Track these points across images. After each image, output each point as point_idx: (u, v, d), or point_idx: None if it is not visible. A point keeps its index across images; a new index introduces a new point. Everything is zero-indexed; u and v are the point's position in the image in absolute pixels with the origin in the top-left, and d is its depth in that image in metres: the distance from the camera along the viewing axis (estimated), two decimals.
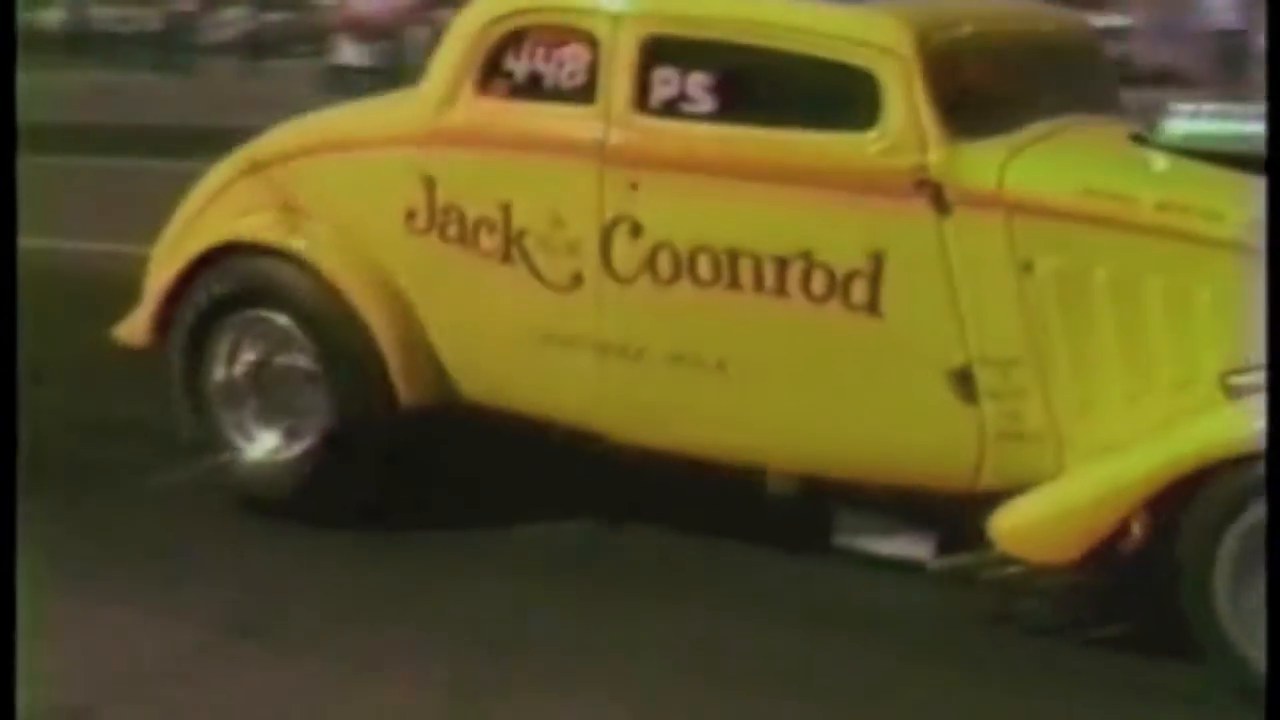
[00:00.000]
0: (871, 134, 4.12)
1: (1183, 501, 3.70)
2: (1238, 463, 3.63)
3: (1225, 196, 4.03)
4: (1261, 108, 4.26)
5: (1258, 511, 3.59)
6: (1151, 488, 3.71)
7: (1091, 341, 4.03)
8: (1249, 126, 4.19)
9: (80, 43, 35.58)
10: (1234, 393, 3.84)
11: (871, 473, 4.26)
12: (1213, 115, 4.29)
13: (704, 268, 4.31)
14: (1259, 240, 3.87)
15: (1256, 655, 3.61)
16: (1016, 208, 4.04)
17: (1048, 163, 4.11)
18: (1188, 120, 4.27)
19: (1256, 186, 3.99)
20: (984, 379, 4.09)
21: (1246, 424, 3.69)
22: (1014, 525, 3.90)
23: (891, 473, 4.22)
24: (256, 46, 34.21)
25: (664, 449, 4.52)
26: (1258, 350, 3.79)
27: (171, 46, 34.26)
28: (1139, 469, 3.77)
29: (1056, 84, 4.58)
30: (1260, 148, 4.07)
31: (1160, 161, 4.22)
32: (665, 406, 4.47)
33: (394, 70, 9.98)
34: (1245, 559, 3.63)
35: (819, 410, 4.28)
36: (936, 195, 4.07)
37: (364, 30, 9.78)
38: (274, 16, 36.85)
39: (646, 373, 4.43)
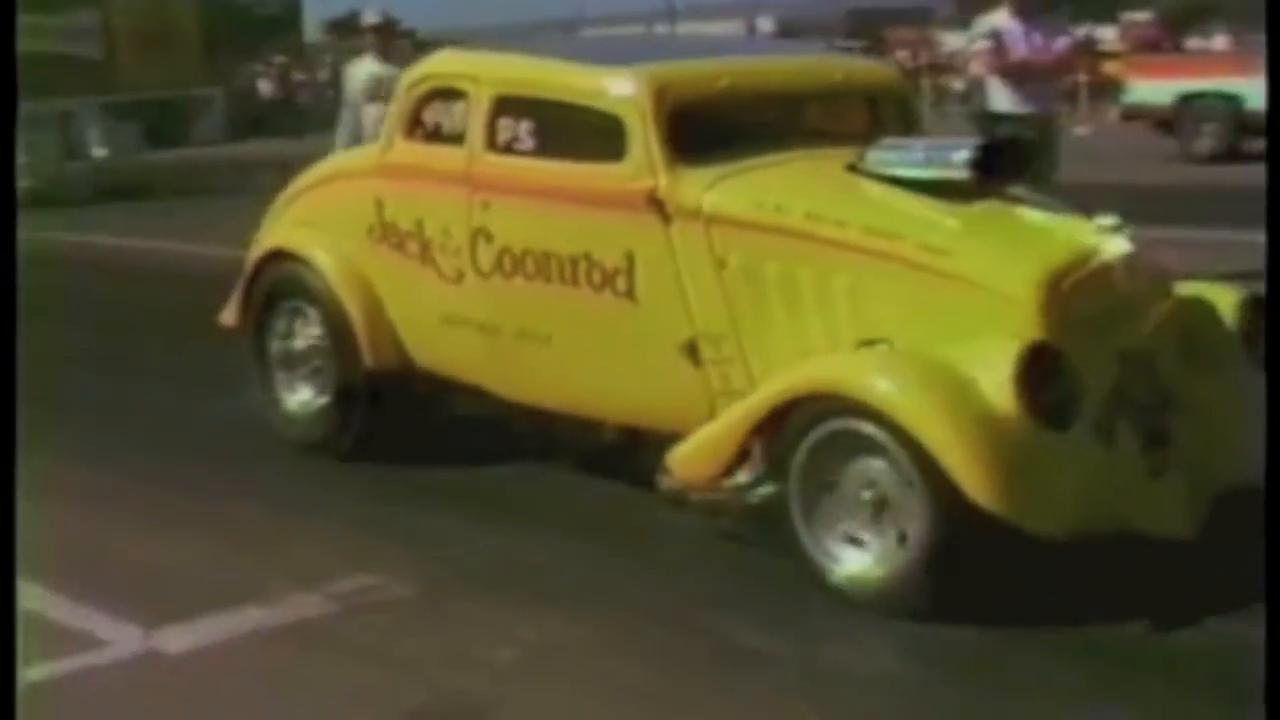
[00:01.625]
0: (621, 165, 5.52)
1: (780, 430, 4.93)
2: (815, 397, 4.84)
3: (864, 209, 5.22)
4: (955, 141, 5.39)
5: (822, 430, 4.77)
6: (756, 418, 4.96)
7: (769, 319, 5.28)
8: (927, 156, 5.34)
9: None
10: None
11: (644, 421, 5.64)
12: (899, 147, 5.44)
13: (529, 265, 5.81)
14: (874, 242, 5.06)
15: (823, 562, 4.82)
16: (712, 219, 5.35)
17: (738, 186, 5.39)
18: (883, 151, 5.44)
19: (909, 201, 5.18)
20: (705, 349, 5.41)
21: (823, 370, 4.90)
22: (676, 453, 5.22)
23: (656, 420, 5.57)
24: None
25: (525, 404, 6.05)
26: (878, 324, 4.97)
27: None
28: (751, 403, 5.03)
29: (795, 125, 5.79)
30: (938, 175, 5.22)
31: (847, 184, 5.41)
32: (518, 369, 6.00)
33: (1045, 117, 9.33)
34: (811, 473, 4.82)
35: (605, 372, 5.71)
36: (662, 210, 5.43)
37: (1021, 76, 9.05)
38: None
39: (504, 344, 5.98)
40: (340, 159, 7.01)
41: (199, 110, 33.90)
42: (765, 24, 53.20)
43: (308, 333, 6.73)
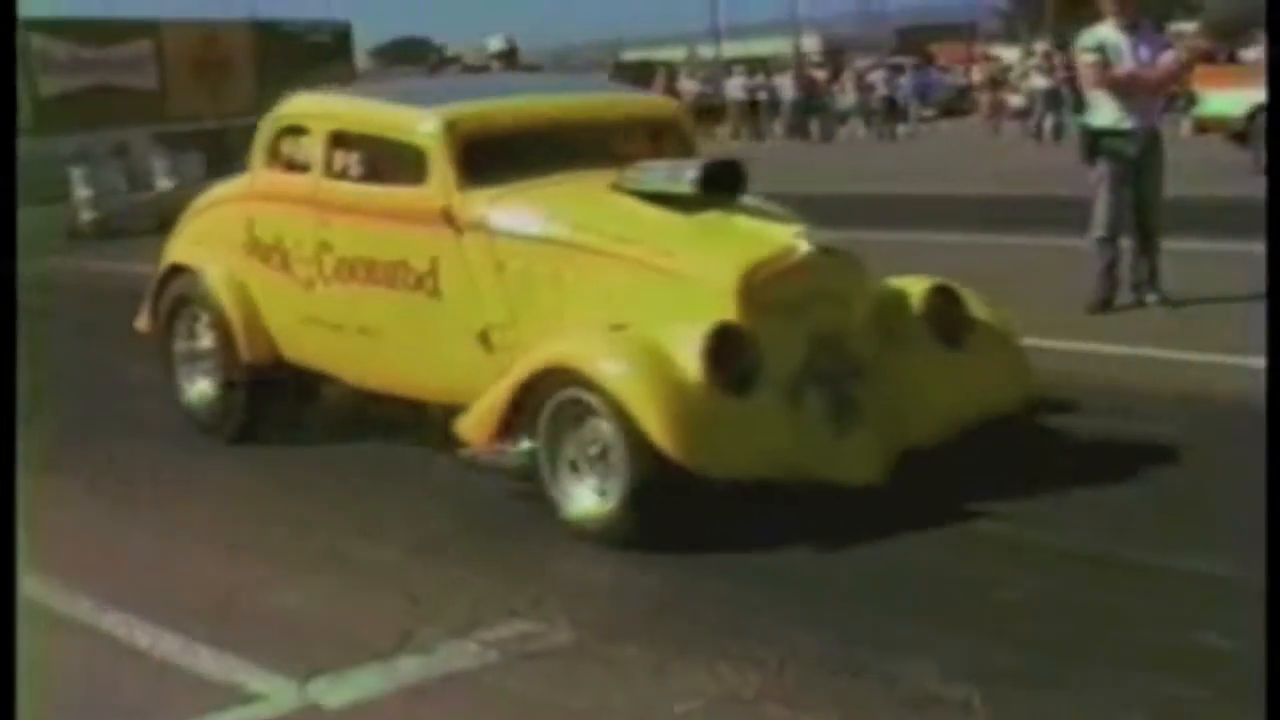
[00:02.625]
0: (424, 187, 6.66)
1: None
2: (552, 371, 5.95)
3: (613, 220, 6.34)
4: (688, 163, 6.50)
5: (558, 398, 5.89)
6: (513, 389, 6.05)
7: (542, 311, 6.39)
8: (667, 175, 6.45)
9: (711, 113, 36.72)
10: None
11: (456, 398, 6.74)
12: (648, 169, 6.55)
13: (361, 271, 6.96)
14: (620, 246, 6.18)
15: (561, 502, 5.92)
16: (492, 231, 6.49)
17: (514, 202, 6.52)
18: (637, 172, 6.56)
19: (651, 212, 6.29)
20: (494, 337, 6.54)
21: (558, 350, 6.02)
22: (460, 423, 6.33)
23: (464, 397, 6.67)
24: (889, 111, 35.40)
25: (369, 389, 7.21)
26: (623, 314, 6.08)
27: (806, 112, 35.49)
28: (509, 378, 6.13)
29: (576, 151, 6.88)
30: (674, 189, 6.32)
31: (605, 200, 6.52)
32: (359, 359, 7.14)
33: (1151, 134, 9.55)
34: (553, 432, 5.93)
35: (421, 358, 6.84)
36: (455, 223, 6.56)
37: (1128, 90, 9.09)
38: (904, 80, 37.84)
39: (348, 339, 7.12)
40: (222, 186, 8.16)
41: (251, 140, 34.22)
42: (811, 42, 52.88)
43: (202, 334, 7.89)
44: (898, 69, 39.34)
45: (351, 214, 7.00)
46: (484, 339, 6.54)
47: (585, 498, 5.90)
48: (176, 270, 7.99)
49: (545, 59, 44.78)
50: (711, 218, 6.29)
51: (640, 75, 37.66)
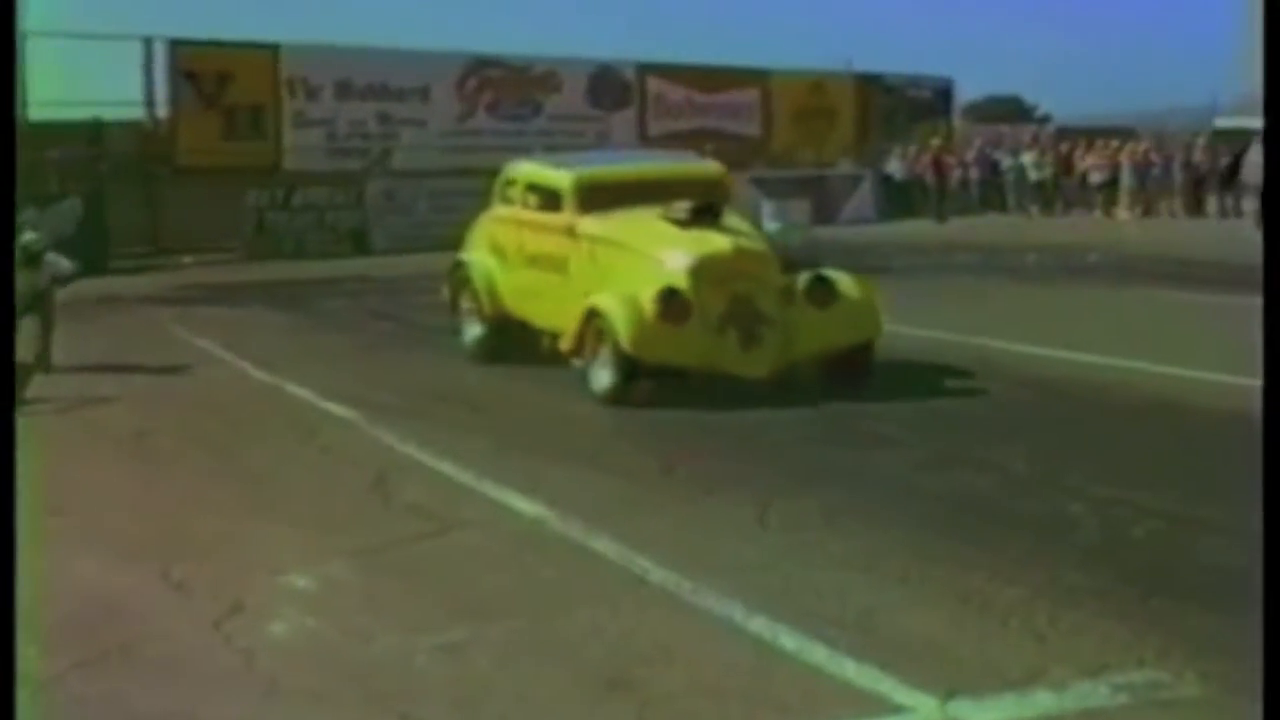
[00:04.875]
0: (561, 214, 12.19)
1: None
2: (591, 310, 11.29)
3: (640, 233, 11.67)
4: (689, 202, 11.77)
5: (592, 323, 11.28)
6: (579, 317, 11.43)
7: (608, 282, 11.70)
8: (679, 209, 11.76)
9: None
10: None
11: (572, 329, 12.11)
12: (672, 207, 11.80)
13: (535, 261, 12.55)
14: (638, 246, 11.56)
15: (591, 379, 11.26)
16: (592, 239, 11.92)
17: (601, 224, 11.90)
18: (670, 209, 11.82)
19: (666, 228, 11.64)
20: (593, 297, 11.92)
21: (593, 301, 11.34)
22: (561, 341, 11.76)
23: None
24: None
25: (542, 327, 12.73)
26: (633, 282, 11.44)
27: None
28: (577, 311, 11.52)
29: (648, 195, 12.13)
30: (679, 217, 11.67)
31: (650, 223, 11.81)
32: (537, 311, 12.64)
33: None
34: (588, 342, 11.30)
35: (562, 309, 12.25)
36: (575, 235, 12.04)
37: None
38: None
39: (531, 299, 12.67)
40: (483, 216, 13.83)
41: (848, 189, 33.58)
42: None
43: (470, 299, 13.58)
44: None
45: (531, 230, 12.56)
46: (586, 297, 11.93)
47: (603, 377, 11.16)
48: (460, 263, 13.72)
49: (1135, 121, 41.43)
50: (695, 232, 11.45)
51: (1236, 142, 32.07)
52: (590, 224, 11.95)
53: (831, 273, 11.49)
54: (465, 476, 8.54)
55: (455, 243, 14.15)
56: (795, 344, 11.08)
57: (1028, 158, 34.25)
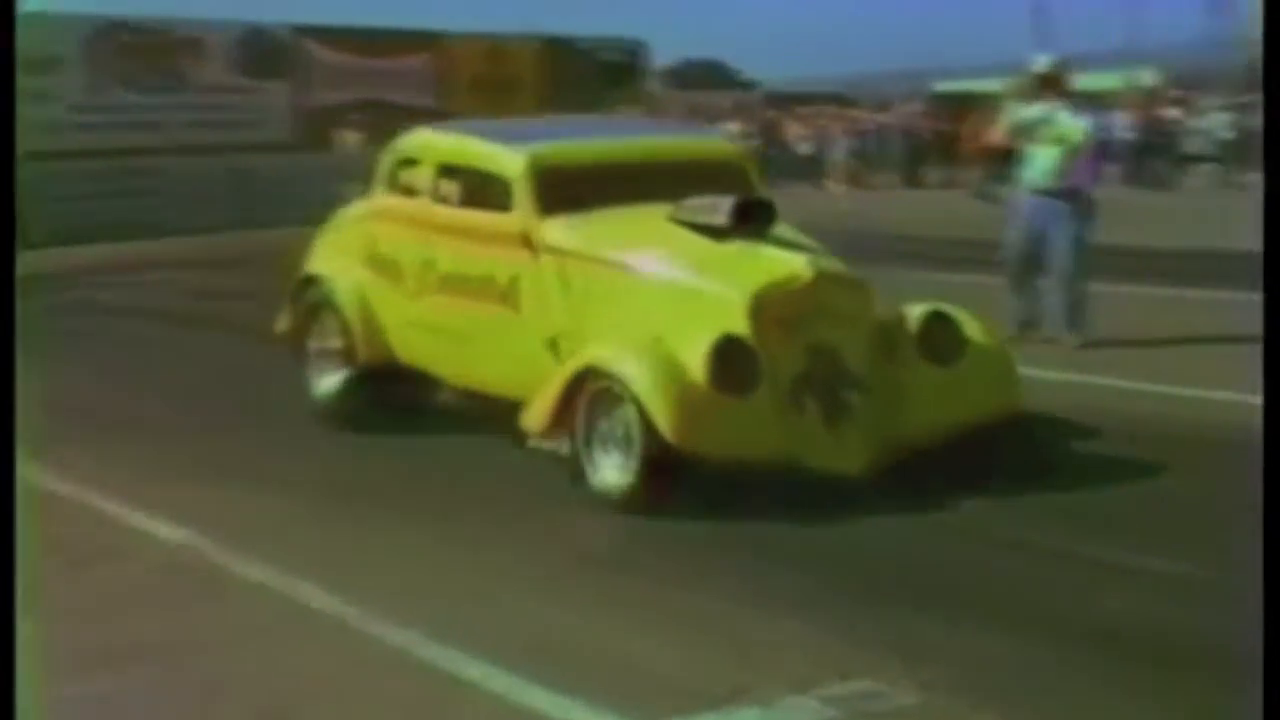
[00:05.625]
0: (507, 214, 7.93)
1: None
2: (589, 370, 7.13)
3: (661, 245, 7.52)
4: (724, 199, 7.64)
5: (592, 387, 7.08)
6: (561, 385, 7.24)
7: (600, 321, 7.58)
8: (709, 209, 7.61)
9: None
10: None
11: (521, 393, 7.93)
12: (699, 205, 7.69)
13: (455, 285, 8.25)
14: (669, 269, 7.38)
15: (589, 473, 7.08)
16: (563, 253, 7.71)
17: (578, 230, 7.74)
18: (689, 206, 7.71)
19: (690, 239, 7.48)
20: (562, 345, 7.74)
21: (594, 353, 7.20)
22: (523, 415, 7.54)
23: (529, 393, 7.87)
24: (1240, 157, 29.06)
25: (461, 386, 8.46)
26: (659, 323, 7.25)
27: (1148, 157, 30.17)
28: (558, 375, 7.32)
29: (637, 186, 8.05)
30: (711, 221, 7.51)
31: (658, 228, 7.68)
32: (454, 361, 8.40)
33: None
34: (590, 415, 7.12)
35: (501, 361, 8.08)
36: (533, 246, 7.80)
37: None
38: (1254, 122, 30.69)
39: (445, 343, 8.41)
40: (351, 207, 9.49)
41: None
42: (1148, 76, 44.18)
43: (331, 335, 9.23)
44: (1251, 109, 31.89)
45: (450, 235, 8.29)
46: (553, 346, 7.74)
47: (610, 470, 7.04)
48: (312, 281, 9.34)
49: (846, 88, 41.36)
50: (739, 246, 7.42)
51: (957, 108, 34.20)
52: (560, 231, 7.81)
53: (950, 309, 7.58)
54: None
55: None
56: (903, 420, 7.18)
57: (732, 127, 31.39)
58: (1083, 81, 42.89)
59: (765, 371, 6.91)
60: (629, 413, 6.92)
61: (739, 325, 6.96)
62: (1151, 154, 30.38)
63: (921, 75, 53.89)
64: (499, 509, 7.21)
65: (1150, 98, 35.28)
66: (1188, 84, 40.82)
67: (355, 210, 9.40)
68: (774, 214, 7.65)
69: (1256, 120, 30.68)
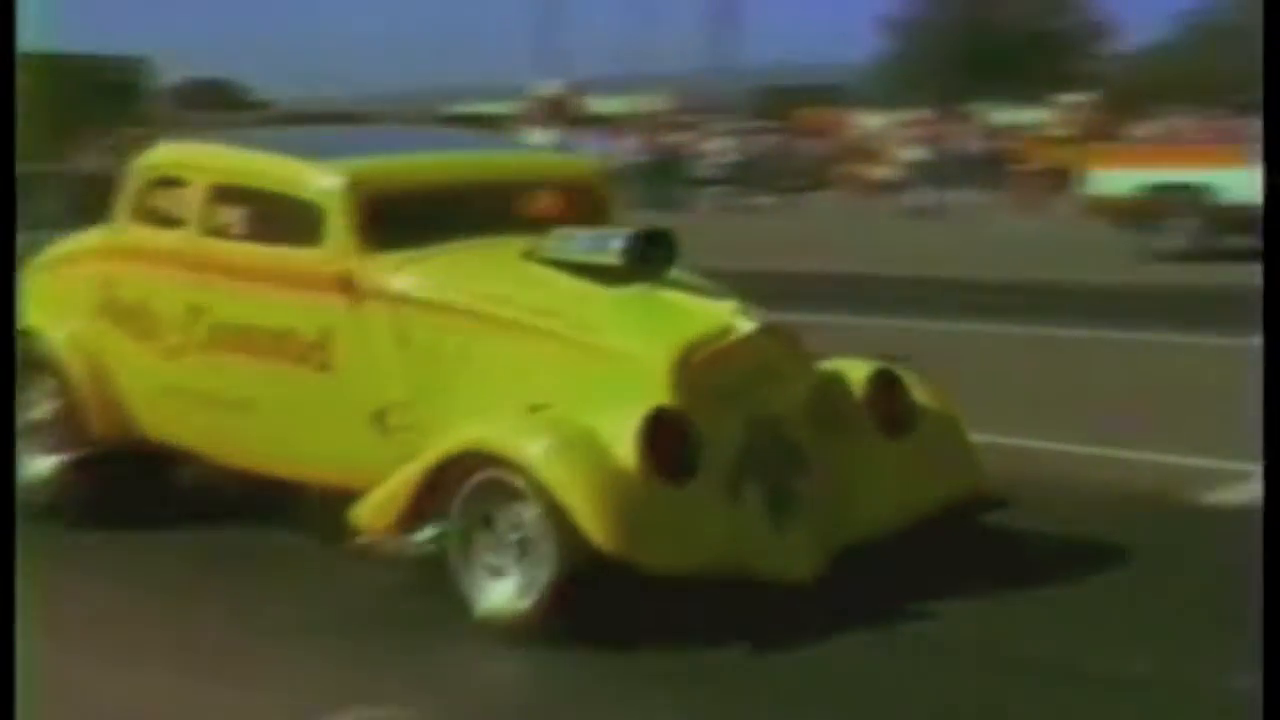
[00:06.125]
0: (319, 249, 6.07)
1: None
2: (472, 454, 5.38)
3: (530, 290, 5.81)
4: (614, 231, 6.00)
5: (477, 480, 5.32)
6: (424, 473, 5.47)
7: (449, 389, 5.83)
8: (591, 244, 5.96)
9: None
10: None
11: (341, 482, 6.11)
12: (567, 237, 6.05)
13: (236, 339, 6.32)
14: (537, 319, 5.65)
15: (474, 595, 5.32)
16: (398, 299, 5.91)
17: (422, 271, 5.96)
18: (554, 240, 6.06)
19: (571, 283, 5.78)
20: (392, 417, 5.94)
21: (479, 431, 5.46)
22: (359, 509, 5.71)
23: (351, 482, 6.04)
24: (747, 180, 31.44)
25: (240, 468, 6.51)
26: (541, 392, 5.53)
27: (660, 180, 30.62)
28: (420, 461, 5.54)
29: (486, 213, 6.37)
30: (598, 260, 5.81)
31: (519, 269, 6.00)
32: (232, 436, 6.47)
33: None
34: (468, 519, 5.37)
35: (303, 437, 6.21)
36: (353, 290, 5.97)
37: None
38: (759, 147, 34.08)
39: (219, 413, 6.47)
40: (70, 242, 7.37)
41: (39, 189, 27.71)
42: (661, 101, 45.70)
43: (40, 403, 7.10)
44: (757, 133, 36.09)
45: (231, 276, 6.37)
46: (379, 418, 5.96)
47: (502, 590, 5.31)
48: (26, 338, 7.19)
49: (366, 110, 41.66)
50: (639, 292, 5.81)
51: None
52: (394, 271, 6.02)
53: (893, 367, 6.14)
54: None
55: None
56: (856, 507, 5.70)
57: None
58: (592, 106, 43.21)
59: (705, 452, 5.31)
60: (531, 512, 5.21)
61: (661, 394, 5.35)
62: (661, 177, 30.62)
63: (432, 97, 54.04)
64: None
65: (659, 122, 36.07)
66: (696, 109, 42.07)
67: (79, 245, 7.31)
68: (676, 250, 6.07)
69: (763, 144, 33.78)
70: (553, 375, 5.60)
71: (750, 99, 51.65)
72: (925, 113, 33.21)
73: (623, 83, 52.85)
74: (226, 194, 6.48)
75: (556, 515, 5.10)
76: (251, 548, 6.51)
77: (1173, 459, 6.72)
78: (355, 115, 34.04)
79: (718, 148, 33.43)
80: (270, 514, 6.73)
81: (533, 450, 5.22)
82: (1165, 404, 6.03)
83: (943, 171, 28.55)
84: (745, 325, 5.57)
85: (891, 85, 56.56)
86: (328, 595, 5.89)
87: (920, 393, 6.06)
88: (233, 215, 6.48)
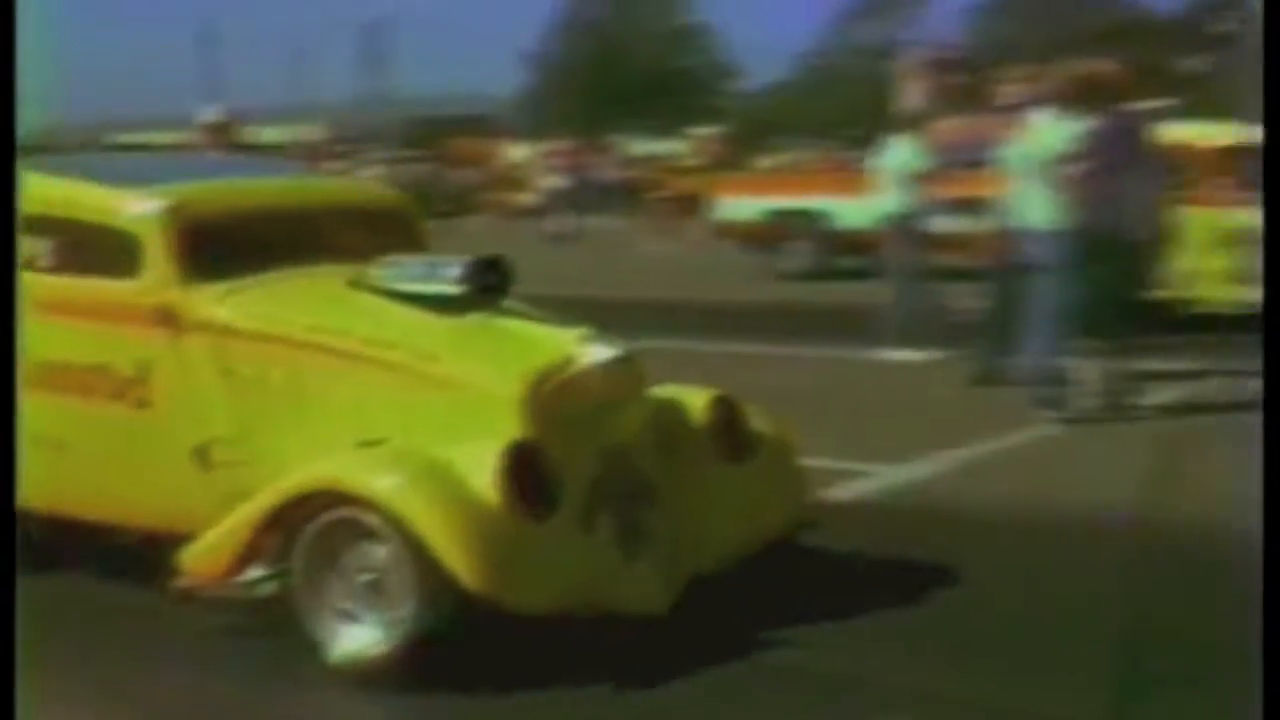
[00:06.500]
0: (137, 280, 5.76)
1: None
2: (317, 492, 5.14)
3: (363, 320, 5.62)
4: (448, 259, 5.82)
5: (324, 519, 5.09)
6: (263, 514, 5.22)
7: (278, 424, 5.58)
8: (424, 272, 5.78)
9: None
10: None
11: (161, 525, 5.80)
12: (397, 264, 5.86)
13: (44, 377, 5.95)
14: (373, 350, 5.44)
15: (325, 641, 5.10)
16: (222, 331, 5.65)
17: (247, 301, 5.71)
18: (383, 269, 5.86)
19: (405, 312, 5.59)
20: (216, 454, 5.66)
21: (325, 467, 5.23)
22: (188, 553, 5.41)
23: (172, 524, 5.73)
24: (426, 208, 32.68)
25: (51, 513, 6.12)
26: (379, 426, 5.31)
27: None
28: (258, 501, 5.28)
29: (305, 242, 6.14)
30: (432, 289, 5.63)
31: (348, 298, 5.80)
32: (40, 479, 6.03)
33: None
34: (315, 561, 5.14)
35: (120, 478, 5.89)
36: (174, 323, 5.68)
37: None
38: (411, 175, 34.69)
39: (25, 454, 6.03)
40: None
41: None
42: (317, 131, 48.55)
43: None
44: (409, 162, 38.07)
45: (42, 311, 6.00)
46: (201, 455, 5.70)
47: (356, 634, 5.10)
48: None
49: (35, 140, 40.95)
50: (478, 320, 5.67)
51: None
52: (218, 302, 5.75)
53: (731, 394, 6.10)
54: None
55: None
56: (705, 536, 5.63)
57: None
58: (251, 134, 44.28)
59: (564, 485, 5.19)
60: (388, 553, 5.02)
61: (513, 425, 5.21)
62: None
63: (97, 127, 53.91)
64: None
65: (316, 150, 37.57)
66: (351, 138, 44.65)
67: None
68: (510, 278, 5.93)
69: (415, 172, 35.05)
70: (392, 408, 5.41)
71: (403, 129, 54.12)
72: (567, 143, 34.59)
73: (282, 112, 53.71)
74: (34, 225, 6.10)
75: (415, 554, 4.91)
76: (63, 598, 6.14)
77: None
78: (26, 148, 33.67)
79: (371, 176, 34.19)
80: (85, 561, 6.36)
81: (388, 486, 5.02)
82: (795, 412, 6.29)
83: (582, 198, 30.46)
84: (591, 353, 5.47)
85: (536, 118, 59.94)
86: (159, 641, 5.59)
87: (757, 419, 6.03)
88: (42, 247, 6.10)
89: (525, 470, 5.05)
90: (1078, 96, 9.49)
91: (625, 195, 32.90)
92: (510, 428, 5.17)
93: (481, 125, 54.62)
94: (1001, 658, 5.30)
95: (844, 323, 12.97)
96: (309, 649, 5.15)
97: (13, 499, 4.52)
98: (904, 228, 12.43)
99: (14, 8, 5.39)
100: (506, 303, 5.88)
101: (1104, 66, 9.90)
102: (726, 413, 5.92)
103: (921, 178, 12.42)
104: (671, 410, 5.86)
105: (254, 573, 5.28)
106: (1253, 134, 13.41)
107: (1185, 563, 6.45)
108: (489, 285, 5.77)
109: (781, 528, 5.94)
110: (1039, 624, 5.65)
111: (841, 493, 7.44)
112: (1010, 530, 7.01)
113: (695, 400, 5.94)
